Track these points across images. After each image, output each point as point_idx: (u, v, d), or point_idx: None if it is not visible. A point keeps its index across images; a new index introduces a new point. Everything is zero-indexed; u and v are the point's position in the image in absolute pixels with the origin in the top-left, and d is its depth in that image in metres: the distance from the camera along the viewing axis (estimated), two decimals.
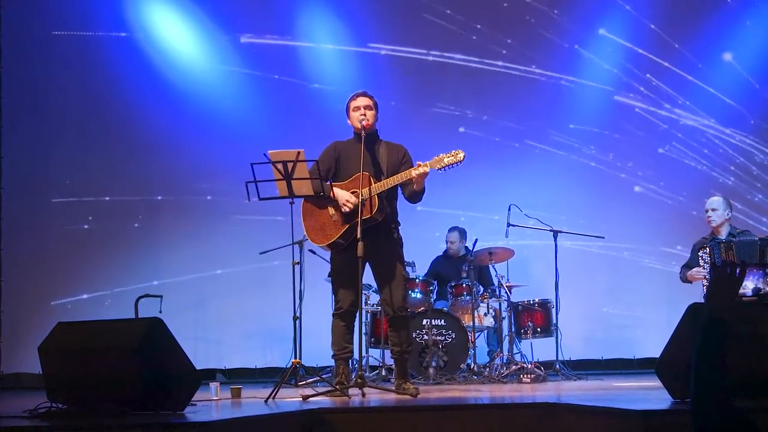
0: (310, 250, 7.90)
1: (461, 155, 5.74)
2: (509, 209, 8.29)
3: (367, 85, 7.54)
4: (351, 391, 5.69)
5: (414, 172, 5.74)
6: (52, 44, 9.84)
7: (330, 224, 5.96)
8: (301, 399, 5.48)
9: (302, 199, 6.04)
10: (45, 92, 9.91)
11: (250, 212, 9.41)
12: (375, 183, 5.82)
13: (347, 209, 5.81)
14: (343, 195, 5.87)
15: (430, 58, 10.00)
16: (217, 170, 9.72)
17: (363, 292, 6.80)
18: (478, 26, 9.99)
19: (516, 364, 7.99)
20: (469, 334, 8.01)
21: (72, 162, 9.83)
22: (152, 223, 9.87)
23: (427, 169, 5.73)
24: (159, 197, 9.92)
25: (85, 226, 9.82)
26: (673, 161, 9.89)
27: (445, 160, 5.74)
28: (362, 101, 6.02)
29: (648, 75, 9.91)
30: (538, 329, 8.36)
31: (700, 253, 7.12)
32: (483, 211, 9.57)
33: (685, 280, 7.42)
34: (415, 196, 5.97)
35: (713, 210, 7.34)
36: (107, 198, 9.84)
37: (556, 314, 8.31)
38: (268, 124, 9.75)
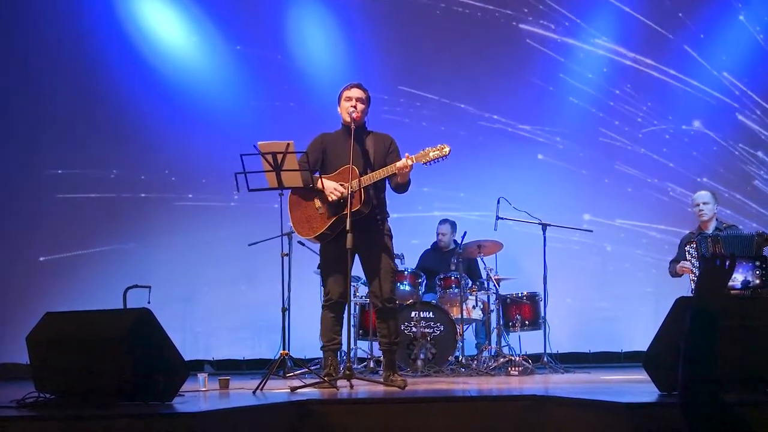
0: (299, 242, 7.89)
1: (447, 149, 5.75)
2: (498, 202, 8.29)
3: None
4: (339, 382, 5.70)
5: (398, 165, 5.76)
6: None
7: (316, 217, 5.96)
8: (289, 390, 5.48)
9: (289, 192, 6.03)
10: (35, 75, 9.92)
11: (237, 203, 9.41)
12: (362, 176, 5.82)
13: (334, 198, 5.81)
14: (330, 184, 5.87)
15: None
16: (207, 161, 9.72)
17: (352, 284, 6.80)
18: None
19: (504, 357, 8.00)
20: (457, 326, 8.02)
21: (62, 149, 9.84)
22: (141, 212, 9.86)
23: (411, 163, 5.75)
24: (149, 186, 9.93)
25: (73, 213, 9.81)
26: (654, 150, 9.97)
27: (431, 154, 5.76)
28: (355, 93, 6.02)
29: None
30: (526, 322, 8.38)
31: (687, 248, 7.11)
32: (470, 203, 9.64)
33: (674, 274, 7.44)
34: (400, 188, 6.00)
35: (705, 203, 7.38)
36: (96, 190, 9.82)
37: (544, 307, 8.32)
38: (254, 113, 9.81)
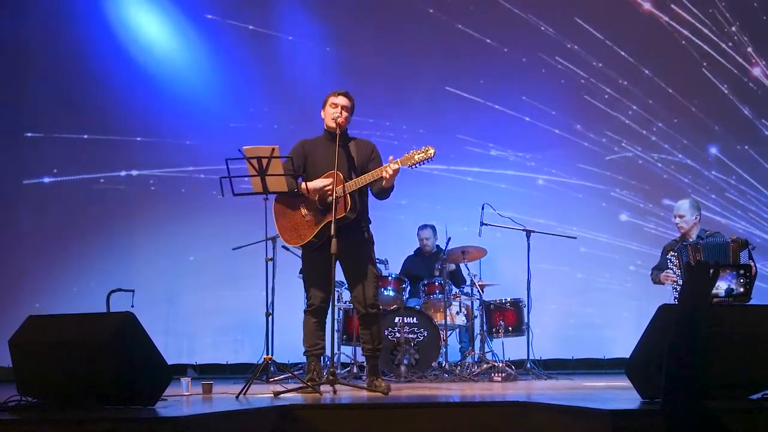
0: (284, 246, 7.86)
1: (431, 151, 5.75)
2: (482, 208, 8.30)
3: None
4: (322, 387, 5.69)
5: (386, 171, 5.75)
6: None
7: (303, 224, 5.95)
8: (272, 395, 5.47)
9: (273, 200, 6.03)
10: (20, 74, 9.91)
11: (222, 207, 9.40)
12: (347, 181, 5.82)
13: (329, 195, 5.78)
14: (318, 183, 5.86)
15: None
16: (192, 163, 9.71)
17: (335, 289, 6.81)
18: None
19: (487, 363, 8.02)
20: (440, 332, 8.02)
21: (44, 153, 9.81)
22: (125, 216, 9.84)
23: (398, 167, 5.75)
24: (134, 190, 9.91)
25: (56, 216, 9.78)
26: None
27: (416, 157, 5.76)
28: (342, 100, 6.01)
29: None
30: (510, 328, 8.40)
31: (668, 256, 7.10)
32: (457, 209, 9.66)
33: (656, 281, 7.43)
34: (383, 194, 5.99)
35: (680, 216, 7.28)
36: (81, 189, 9.80)
37: (528, 313, 8.34)
38: (241, 114, 9.82)
